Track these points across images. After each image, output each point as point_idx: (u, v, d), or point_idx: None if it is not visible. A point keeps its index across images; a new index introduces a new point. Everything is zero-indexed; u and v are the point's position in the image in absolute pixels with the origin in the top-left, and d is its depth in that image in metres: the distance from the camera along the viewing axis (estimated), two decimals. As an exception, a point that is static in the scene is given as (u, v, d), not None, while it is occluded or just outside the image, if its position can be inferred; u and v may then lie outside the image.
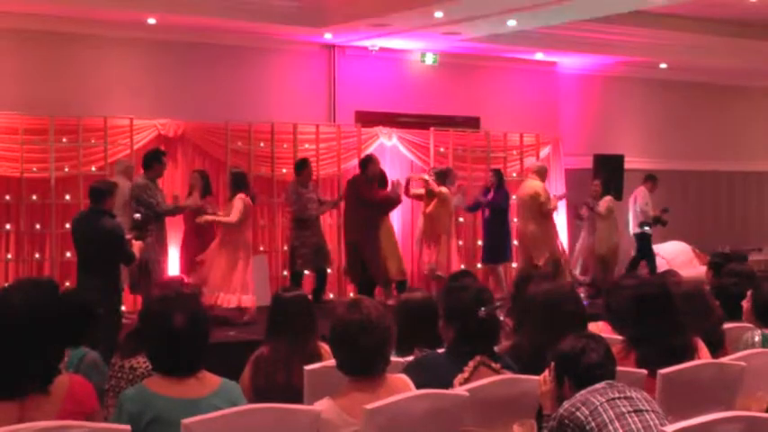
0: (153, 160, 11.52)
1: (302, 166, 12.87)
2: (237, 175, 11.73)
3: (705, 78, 18.17)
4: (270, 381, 5.30)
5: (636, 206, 15.53)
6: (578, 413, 3.91)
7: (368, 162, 12.90)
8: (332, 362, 4.58)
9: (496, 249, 14.11)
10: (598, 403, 3.93)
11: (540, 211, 13.72)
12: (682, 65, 17.20)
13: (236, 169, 12.13)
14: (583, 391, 4.01)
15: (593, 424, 3.87)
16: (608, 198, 14.72)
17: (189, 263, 11.83)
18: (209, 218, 11.46)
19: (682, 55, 16.44)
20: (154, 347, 4.28)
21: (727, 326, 6.16)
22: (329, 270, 13.26)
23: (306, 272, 12.92)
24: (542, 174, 14.23)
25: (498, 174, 14.29)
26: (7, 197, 12.25)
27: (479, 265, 14.51)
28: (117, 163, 12.13)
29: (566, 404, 3.99)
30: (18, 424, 3.53)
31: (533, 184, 13.88)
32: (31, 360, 3.65)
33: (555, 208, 14.22)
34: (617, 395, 3.98)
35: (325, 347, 5.39)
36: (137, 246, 9.65)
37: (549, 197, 13.91)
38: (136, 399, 4.08)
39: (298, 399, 4.92)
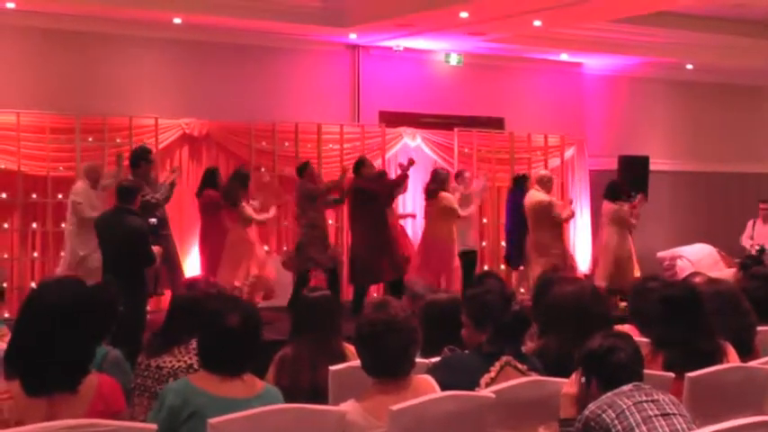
0: (140, 159, 11.22)
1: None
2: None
3: (732, 79, 18.05)
4: (294, 381, 5.29)
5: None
6: (604, 415, 3.89)
7: (361, 165, 12.51)
8: (357, 362, 4.58)
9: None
10: (625, 406, 3.90)
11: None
12: (708, 66, 17.10)
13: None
14: (609, 393, 3.98)
15: (619, 427, 3.84)
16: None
17: (211, 260, 11.81)
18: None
19: (708, 56, 16.34)
20: (205, 343, 4.38)
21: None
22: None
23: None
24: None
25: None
26: (34, 196, 12.32)
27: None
28: (84, 166, 11.73)
29: (592, 406, 3.96)
30: (47, 420, 3.55)
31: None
32: (61, 358, 3.66)
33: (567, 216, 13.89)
34: (644, 398, 3.95)
35: (350, 348, 5.38)
36: (155, 250, 9.66)
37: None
38: (178, 392, 4.19)
39: (322, 399, 4.92)
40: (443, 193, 12.83)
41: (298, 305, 5.73)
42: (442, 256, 12.82)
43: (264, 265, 11.73)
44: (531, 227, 13.31)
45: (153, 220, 10.50)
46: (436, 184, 12.93)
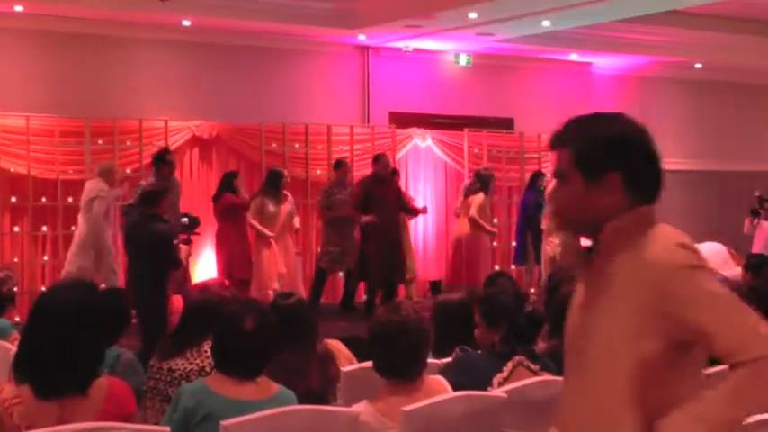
0: (159, 162, 11.23)
1: (336, 166, 12.83)
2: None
3: (741, 78, 18.02)
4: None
5: None
6: None
7: (375, 162, 12.55)
8: (368, 363, 4.57)
9: None
10: None
11: None
12: (717, 65, 17.08)
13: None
14: None
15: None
16: None
17: (228, 264, 11.83)
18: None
19: (717, 55, 16.32)
20: (219, 346, 4.38)
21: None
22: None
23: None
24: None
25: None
26: (43, 199, 12.34)
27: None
28: (98, 166, 11.79)
29: None
30: (57, 424, 3.55)
31: None
32: (71, 360, 3.66)
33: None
34: None
35: (333, 344, 5.37)
36: (183, 250, 9.78)
37: None
38: (193, 394, 4.19)
39: (322, 402, 4.88)
40: (473, 196, 12.91)
41: (274, 314, 5.43)
42: (475, 256, 12.84)
43: (277, 263, 11.77)
44: None
45: (185, 219, 10.56)
46: (478, 184, 12.97)
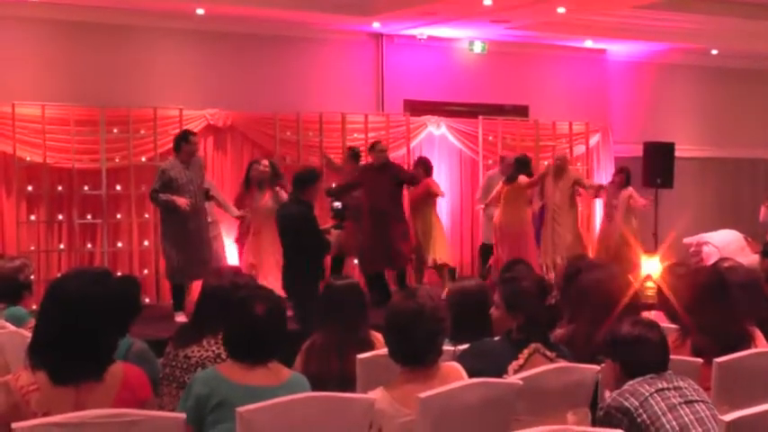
0: (180, 142, 10.95)
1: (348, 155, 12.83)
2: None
3: (757, 65, 17.92)
4: (322, 369, 5.31)
5: None
6: (627, 403, 3.89)
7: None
8: (384, 351, 4.58)
9: None
10: (648, 394, 3.89)
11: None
12: (733, 51, 16.98)
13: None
14: (631, 382, 3.98)
15: (644, 416, 3.83)
16: (630, 191, 14.37)
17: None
18: None
19: (733, 41, 16.22)
20: (231, 332, 4.42)
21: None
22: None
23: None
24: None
25: None
26: (59, 188, 12.36)
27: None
28: None
29: (614, 394, 3.97)
30: (75, 410, 3.57)
31: None
32: (85, 347, 3.68)
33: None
34: (665, 385, 3.94)
35: (377, 336, 5.39)
36: (334, 234, 9.88)
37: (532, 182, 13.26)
38: (206, 382, 4.23)
39: (350, 387, 4.93)
40: (522, 177, 12.78)
41: (324, 294, 5.75)
42: (517, 242, 12.77)
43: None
44: None
45: (337, 204, 10.54)
46: (518, 168, 12.87)
